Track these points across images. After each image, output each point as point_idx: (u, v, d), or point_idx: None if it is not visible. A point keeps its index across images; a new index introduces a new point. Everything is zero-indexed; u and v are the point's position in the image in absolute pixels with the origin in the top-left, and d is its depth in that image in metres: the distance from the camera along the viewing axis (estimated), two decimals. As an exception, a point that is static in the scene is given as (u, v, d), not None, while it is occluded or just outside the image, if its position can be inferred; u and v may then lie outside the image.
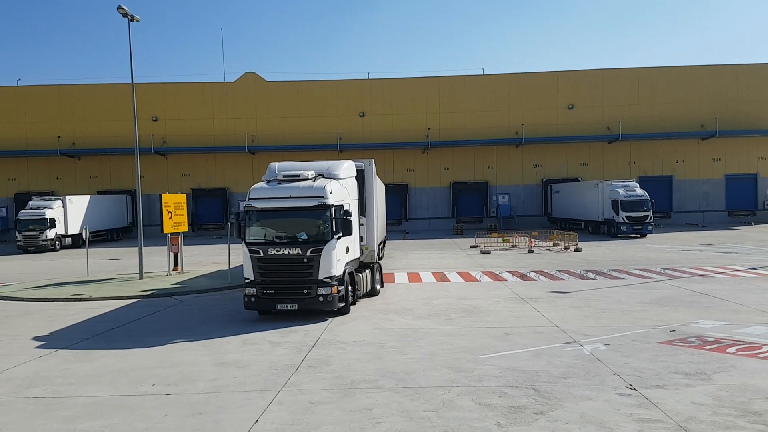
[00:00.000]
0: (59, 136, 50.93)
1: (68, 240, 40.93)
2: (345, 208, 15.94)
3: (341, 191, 16.23)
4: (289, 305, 15.30)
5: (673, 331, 13.38)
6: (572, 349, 12.06)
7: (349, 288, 16.31)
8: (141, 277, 23.72)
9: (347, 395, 9.55)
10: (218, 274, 24.45)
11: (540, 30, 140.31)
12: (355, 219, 16.88)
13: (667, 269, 23.71)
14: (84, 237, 26.32)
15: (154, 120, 50.67)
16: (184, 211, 25.51)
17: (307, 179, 16.01)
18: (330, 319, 15.43)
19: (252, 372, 10.96)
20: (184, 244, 26.24)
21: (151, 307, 18.13)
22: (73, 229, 40.81)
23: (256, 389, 9.97)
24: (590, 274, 22.90)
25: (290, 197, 15.45)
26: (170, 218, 24.24)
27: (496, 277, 22.70)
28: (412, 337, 13.44)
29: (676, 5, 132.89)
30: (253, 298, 15.44)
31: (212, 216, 51.24)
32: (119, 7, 23.27)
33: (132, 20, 24.03)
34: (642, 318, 14.84)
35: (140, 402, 9.52)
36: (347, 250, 16.32)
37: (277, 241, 15.44)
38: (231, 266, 24.07)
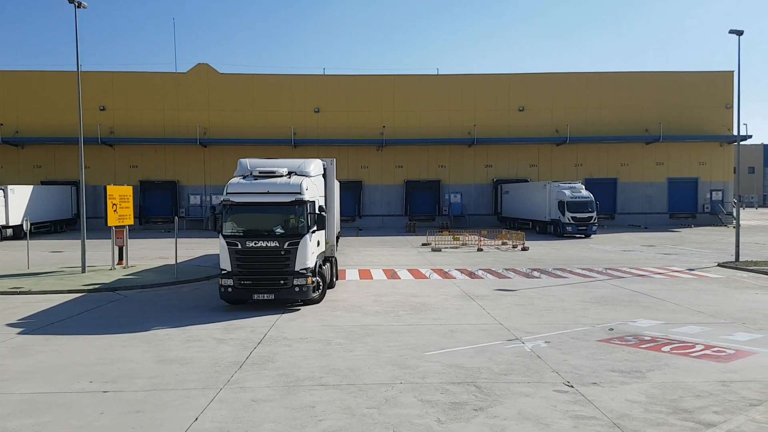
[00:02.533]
0: (1, 124, 48.93)
1: (9, 231, 39.43)
2: (319, 203, 16.94)
3: (314, 188, 17.19)
4: (266, 295, 15.92)
5: (612, 329, 13.82)
6: (514, 346, 12.33)
7: (319, 279, 17.02)
8: (84, 271, 23.07)
9: (290, 393, 9.53)
10: (165, 269, 23.97)
11: (494, 33, 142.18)
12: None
13: (608, 269, 24.43)
14: (25, 228, 25.44)
15: (101, 110, 49.20)
16: (130, 204, 24.92)
17: (282, 176, 16.81)
18: (278, 316, 15.38)
19: (194, 369, 10.81)
20: (130, 238, 25.65)
21: (93, 301, 17.67)
22: (15, 220, 39.33)
23: (197, 387, 9.84)
24: (535, 273, 23.41)
25: (268, 192, 16.21)
26: (115, 211, 23.64)
27: (445, 275, 22.97)
28: (359, 333, 13.50)
29: (625, 12, 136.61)
30: (230, 289, 15.95)
31: (161, 209, 50.08)
32: (65, -8, 22.53)
33: (79, 6, 23.30)
34: (582, 316, 15.27)
35: (76, 399, 9.28)
36: (318, 244, 17.17)
37: (256, 234, 15.93)
38: (178, 261, 23.63)
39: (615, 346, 12.30)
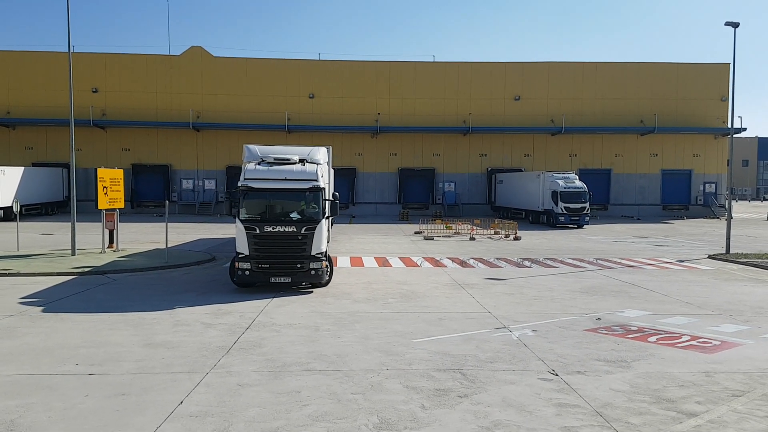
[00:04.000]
0: (-8, 104, 48.60)
1: (-1, 212, 39.28)
2: (332, 191, 17.80)
3: (326, 175, 18.00)
4: (282, 278, 16.50)
5: (599, 319, 13.88)
6: (501, 334, 12.38)
7: (328, 263, 17.60)
8: (73, 254, 22.98)
9: (277, 378, 9.54)
10: (155, 253, 23.90)
11: (491, 22, 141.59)
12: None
13: (599, 259, 24.51)
14: (15, 210, 25.29)
15: (94, 91, 48.83)
16: (121, 187, 24.79)
17: (296, 163, 17.36)
18: (267, 301, 15.38)
19: (181, 353, 10.81)
20: (121, 221, 25.56)
21: (82, 284, 17.62)
22: (5, 202, 39.06)
23: (183, 371, 9.84)
24: (526, 263, 23.47)
25: (285, 179, 16.83)
26: (106, 194, 23.51)
27: (436, 263, 23.00)
28: (348, 320, 13.52)
29: (623, 3, 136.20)
30: (247, 272, 16.40)
31: (153, 193, 49.86)
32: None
33: (70, -14, 23.03)
34: (571, 306, 15.34)
35: (61, 382, 9.27)
36: (328, 229, 17.98)
37: (274, 219, 16.59)
38: (169, 245, 23.56)
39: (601, 336, 12.36)
